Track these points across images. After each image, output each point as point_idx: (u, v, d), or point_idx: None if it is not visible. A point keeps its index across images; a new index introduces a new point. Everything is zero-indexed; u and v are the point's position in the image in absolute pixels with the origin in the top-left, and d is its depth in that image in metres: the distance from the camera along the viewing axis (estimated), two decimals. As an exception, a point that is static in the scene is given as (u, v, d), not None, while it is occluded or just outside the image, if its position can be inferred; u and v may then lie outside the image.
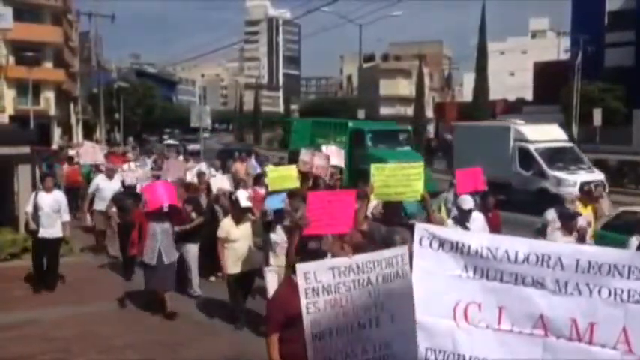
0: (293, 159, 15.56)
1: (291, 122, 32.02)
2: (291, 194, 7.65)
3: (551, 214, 7.87)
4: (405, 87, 67.36)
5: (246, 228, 7.74)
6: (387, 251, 3.79)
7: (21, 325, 7.71)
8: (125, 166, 12.87)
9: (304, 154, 10.98)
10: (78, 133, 56.69)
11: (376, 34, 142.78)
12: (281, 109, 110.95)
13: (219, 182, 10.97)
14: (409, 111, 57.08)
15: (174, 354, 6.93)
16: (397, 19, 46.14)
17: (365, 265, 3.68)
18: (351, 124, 23.38)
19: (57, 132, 50.59)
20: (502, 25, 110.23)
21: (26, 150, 12.09)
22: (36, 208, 9.14)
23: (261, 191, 10.59)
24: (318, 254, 3.91)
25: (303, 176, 10.01)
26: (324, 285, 3.57)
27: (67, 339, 7.26)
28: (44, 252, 9.32)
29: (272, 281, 6.91)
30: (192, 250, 9.12)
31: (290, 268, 4.55)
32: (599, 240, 8.20)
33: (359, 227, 5.37)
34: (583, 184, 14.68)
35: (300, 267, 3.62)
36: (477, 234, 4.78)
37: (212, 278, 9.78)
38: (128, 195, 10.29)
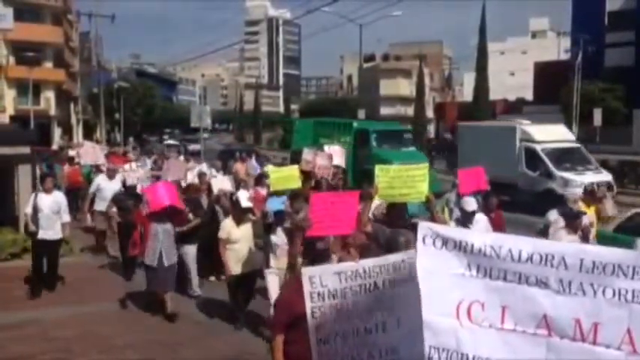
0: (295, 159, 15.56)
1: (293, 122, 31.95)
2: (294, 195, 7.64)
3: (553, 215, 7.84)
4: (405, 87, 67.42)
5: (247, 229, 7.73)
6: (393, 256, 3.76)
7: (21, 325, 7.70)
8: (127, 166, 12.85)
9: (307, 154, 10.98)
10: (78, 133, 56.76)
11: (376, 34, 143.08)
12: (281, 109, 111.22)
13: (220, 183, 10.95)
14: (409, 111, 57.21)
15: (174, 354, 6.92)
16: (397, 19, 46.29)
17: (371, 269, 3.64)
18: (355, 124, 23.19)
19: (57, 132, 50.66)
20: (502, 25, 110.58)
21: (26, 150, 12.09)
22: (35, 209, 9.05)
23: (263, 191, 10.57)
24: (326, 255, 3.88)
25: (306, 176, 9.99)
26: (330, 290, 3.54)
27: (68, 339, 7.25)
28: (44, 254, 9.25)
29: (273, 283, 6.91)
30: (191, 251, 9.09)
31: (291, 270, 4.53)
32: (611, 242, 8.10)
33: (363, 228, 5.34)
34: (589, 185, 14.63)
35: (306, 271, 3.59)
36: (481, 233, 4.75)
37: (212, 278, 9.78)
38: (129, 195, 10.28)
